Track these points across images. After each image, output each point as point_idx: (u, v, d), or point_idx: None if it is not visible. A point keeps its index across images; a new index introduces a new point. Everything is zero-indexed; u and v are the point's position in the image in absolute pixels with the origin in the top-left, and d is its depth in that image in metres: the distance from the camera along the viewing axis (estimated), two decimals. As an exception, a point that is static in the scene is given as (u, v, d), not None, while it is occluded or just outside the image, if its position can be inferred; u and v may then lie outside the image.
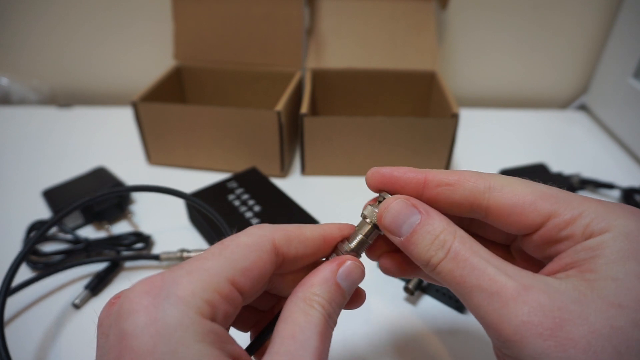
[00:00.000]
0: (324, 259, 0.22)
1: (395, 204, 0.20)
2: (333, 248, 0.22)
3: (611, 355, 0.15)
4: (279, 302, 0.23)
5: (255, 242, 0.19)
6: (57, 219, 0.35)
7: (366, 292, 0.23)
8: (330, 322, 0.19)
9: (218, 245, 0.19)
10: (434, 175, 0.21)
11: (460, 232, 0.19)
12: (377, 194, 0.22)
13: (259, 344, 0.21)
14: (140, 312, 0.16)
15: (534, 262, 0.21)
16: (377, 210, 0.21)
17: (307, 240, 0.21)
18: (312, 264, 0.22)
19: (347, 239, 0.22)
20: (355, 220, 0.23)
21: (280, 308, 0.21)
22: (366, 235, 0.22)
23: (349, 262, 0.21)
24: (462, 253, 0.18)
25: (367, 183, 0.22)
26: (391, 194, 0.21)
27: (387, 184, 0.22)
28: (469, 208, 0.20)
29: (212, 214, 0.36)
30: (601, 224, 0.17)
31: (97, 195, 0.36)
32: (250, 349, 0.21)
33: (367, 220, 0.22)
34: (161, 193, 0.36)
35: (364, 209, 0.22)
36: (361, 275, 0.21)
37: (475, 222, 0.23)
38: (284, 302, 0.20)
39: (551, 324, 0.15)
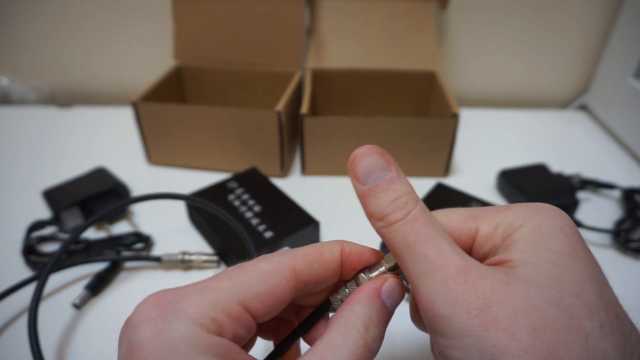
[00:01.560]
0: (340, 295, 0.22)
1: (371, 153, 0.20)
2: (353, 275, 0.22)
3: (528, 333, 0.16)
4: (300, 310, 0.23)
5: (274, 268, 0.19)
6: (84, 227, 0.34)
7: None
8: (372, 346, 0.19)
9: (236, 267, 0.19)
10: None
11: (422, 203, 0.20)
12: None
13: (278, 354, 0.21)
14: (148, 324, 0.16)
15: None
16: None
17: (327, 262, 0.21)
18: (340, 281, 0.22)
19: (369, 268, 0.22)
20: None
21: (301, 317, 0.22)
22: (389, 270, 0.21)
23: (391, 279, 0.21)
24: (420, 220, 0.18)
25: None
26: None
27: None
28: None
29: (226, 216, 0.36)
30: (511, 227, 0.19)
31: (111, 208, 0.37)
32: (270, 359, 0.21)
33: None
34: (169, 199, 0.36)
35: None
36: (403, 293, 0.21)
37: None
38: (306, 312, 0.21)
39: (480, 305, 0.16)
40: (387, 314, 0.20)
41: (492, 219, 0.20)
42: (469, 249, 0.20)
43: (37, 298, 0.32)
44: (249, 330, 0.18)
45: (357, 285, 0.21)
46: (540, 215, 0.19)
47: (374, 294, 0.20)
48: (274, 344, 0.23)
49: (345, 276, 0.22)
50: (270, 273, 0.19)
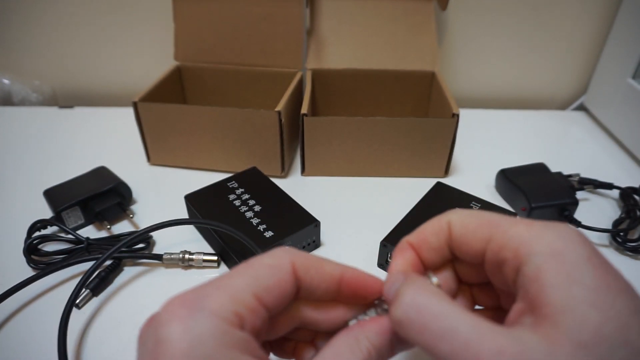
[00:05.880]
0: (360, 318, 0.23)
1: (392, 274, 0.21)
2: (371, 303, 0.23)
3: None
4: (316, 336, 0.24)
5: (277, 263, 0.20)
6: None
7: None
8: None
9: (244, 264, 0.20)
10: (410, 238, 0.23)
11: (425, 287, 0.19)
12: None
13: None
14: (176, 322, 0.17)
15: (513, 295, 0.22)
16: None
17: (324, 274, 0.22)
18: (339, 302, 0.23)
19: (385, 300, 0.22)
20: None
21: (316, 342, 0.23)
22: None
23: None
24: (424, 311, 0.18)
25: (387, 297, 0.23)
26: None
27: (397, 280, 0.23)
28: (446, 249, 0.22)
29: (240, 236, 0.37)
30: (527, 247, 0.18)
31: (133, 237, 0.38)
32: None
33: None
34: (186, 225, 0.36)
35: None
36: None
37: (461, 267, 0.24)
38: (320, 336, 0.23)
39: None
40: (390, 351, 0.21)
41: (508, 229, 0.19)
42: (482, 255, 0.20)
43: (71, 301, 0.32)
44: (263, 321, 0.19)
45: (377, 314, 0.22)
46: (562, 240, 0.18)
47: (387, 330, 0.21)
48: None
49: (343, 298, 0.23)
50: (275, 268, 0.20)
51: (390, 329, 0.21)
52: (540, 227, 0.19)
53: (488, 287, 0.23)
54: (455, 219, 0.22)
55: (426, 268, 0.23)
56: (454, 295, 0.24)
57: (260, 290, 0.19)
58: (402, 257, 0.23)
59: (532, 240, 0.18)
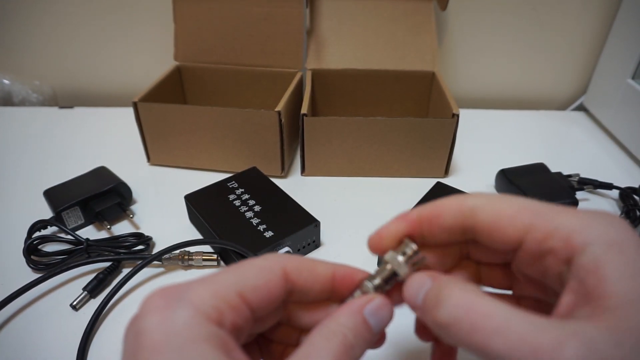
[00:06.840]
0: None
1: (414, 276, 0.21)
2: (355, 286, 0.22)
3: None
4: (302, 334, 0.24)
5: (268, 265, 0.20)
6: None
7: None
8: (351, 353, 0.19)
9: (234, 264, 0.20)
10: (422, 211, 0.22)
11: (468, 287, 0.18)
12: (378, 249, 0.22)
13: None
14: (154, 313, 0.17)
15: (537, 283, 0.21)
16: (399, 257, 0.21)
17: (318, 275, 0.22)
18: (333, 301, 0.22)
19: (369, 278, 0.22)
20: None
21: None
22: (385, 281, 0.22)
23: (377, 298, 0.21)
24: (473, 310, 0.17)
25: (371, 249, 0.23)
26: (415, 241, 0.22)
27: (387, 240, 0.22)
28: (460, 231, 0.21)
29: (243, 251, 0.36)
30: (580, 236, 0.17)
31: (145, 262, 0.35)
32: None
33: (388, 266, 0.22)
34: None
35: (385, 255, 0.22)
36: (389, 314, 0.21)
37: (475, 246, 0.23)
38: (306, 334, 0.22)
39: None
40: (368, 330, 0.20)
41: (553, 218, 0.18)
42: (517, 243, 0.19)
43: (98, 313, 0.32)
44: (246, 320, 0.19)
45: (362, 293, 0.22)
46: (615, 229, 0.17)
47: (355, 309, 0.20)
48: None
49: (336, 296, 0.22)
50: (265, 269, 0.20)
51: (361, 307, 0.20)
52: (589, 216, 0.18)
53: (499, 267, 0.23)
54: (483, 203, 0.20)
55: (427, 244, 0.22)
56: (449, 270, 0.23)
57: (246, 289, 0.19)
58: (398, 224, 0.22)
59: (584, 229, 0.17)
